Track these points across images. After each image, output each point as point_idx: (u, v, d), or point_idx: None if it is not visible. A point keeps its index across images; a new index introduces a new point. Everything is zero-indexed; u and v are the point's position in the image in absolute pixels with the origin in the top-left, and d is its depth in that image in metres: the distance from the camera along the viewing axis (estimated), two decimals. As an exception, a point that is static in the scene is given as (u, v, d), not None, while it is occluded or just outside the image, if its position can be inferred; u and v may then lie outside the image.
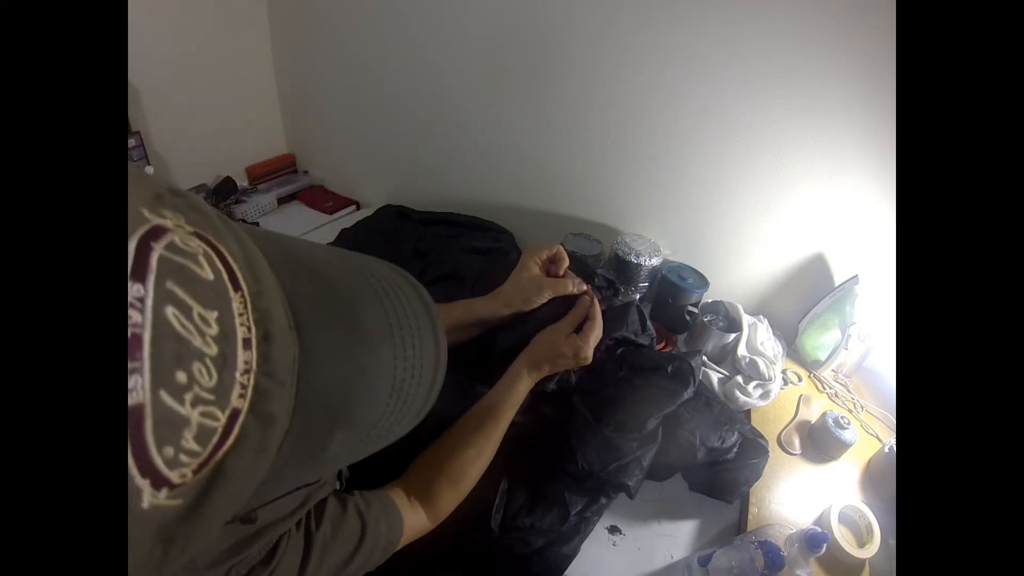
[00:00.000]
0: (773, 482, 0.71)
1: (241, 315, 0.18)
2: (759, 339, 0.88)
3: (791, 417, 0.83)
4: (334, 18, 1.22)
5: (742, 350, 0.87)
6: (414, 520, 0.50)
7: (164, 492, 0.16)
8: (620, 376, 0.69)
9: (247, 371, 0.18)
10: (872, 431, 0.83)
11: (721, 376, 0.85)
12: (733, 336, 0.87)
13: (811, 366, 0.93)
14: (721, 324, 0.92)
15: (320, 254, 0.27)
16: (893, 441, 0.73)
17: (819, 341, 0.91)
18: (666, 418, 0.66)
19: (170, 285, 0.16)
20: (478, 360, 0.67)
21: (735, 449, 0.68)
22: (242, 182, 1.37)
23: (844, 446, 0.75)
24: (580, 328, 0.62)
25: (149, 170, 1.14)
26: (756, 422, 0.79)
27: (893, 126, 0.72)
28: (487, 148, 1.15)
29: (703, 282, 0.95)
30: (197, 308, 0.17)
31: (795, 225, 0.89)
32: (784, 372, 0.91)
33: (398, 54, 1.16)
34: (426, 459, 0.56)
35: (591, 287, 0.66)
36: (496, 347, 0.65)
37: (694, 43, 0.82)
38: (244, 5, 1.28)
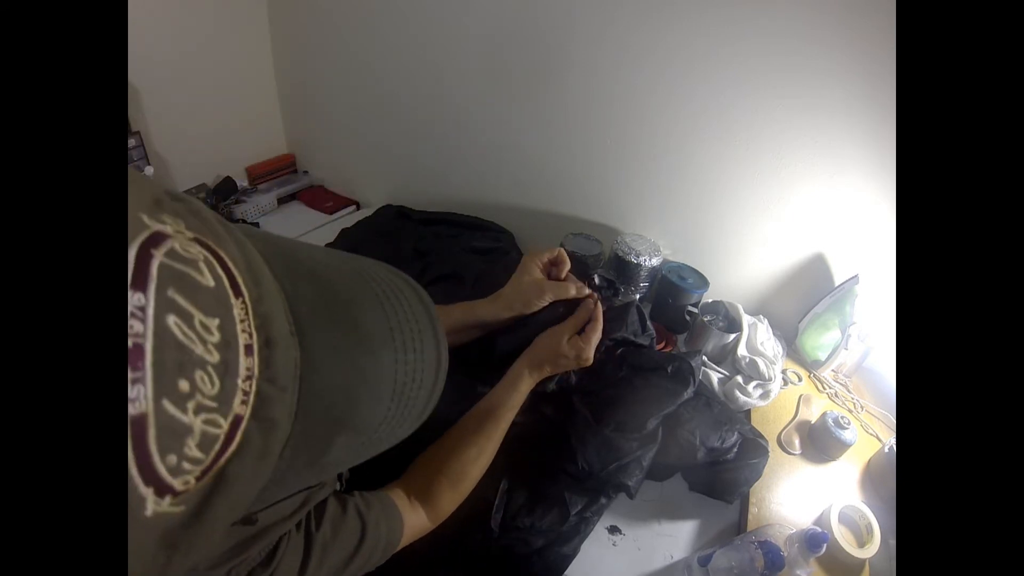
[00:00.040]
0: (773, 482, 0.71)
1: (242, 321, 0.18)
2: (759, 339, 0.88)
3: (791, 417, 0.83)
4: (334, 18, 1.22)
5: (742, 350, 0.87)
6: (414, 520, 0.50)
7: (167, 499, 0.16)
8: (620, 376, 0.69)
9: (249, 377, 0.18)
10: (872, 431, 0.83)
11: (721, 376, 0.85)
12: (733, 336, 0.87)
13: (811, 366, 0.93)
14: (721, 324, 0.92)
15: (320, 257, 0.26)
16: (893, 441, 0.73)
17: (819, 341, 0.91)
18: (666, 418, 0.66)
19: (171, 293, 0.16)
20: (478, 362, 0.67)
21: (735, 449, 0.68)
22: (242, 182, 1.37)
23: (844, 446, 0.75)
24: (582, 330, 0.62)
25: (149, 170, 1.14)
26: (756, 422, 0.79)
27: (893, 126, 0.72)
28: (487, 148, 1.15)
29: (703, 282, 0.95)
30: (198, 316, 0.17)
31: (795, 225, 0.89)
32: (784, 372, 0.91)
33: (398, 54, 1.16)
34: (426, 459, 0.55)
35: (592, 289, 0.66)
36: (496, 350, 0.65)
37: (694, 43, 0.82)
38: (244, 5, 1.28)
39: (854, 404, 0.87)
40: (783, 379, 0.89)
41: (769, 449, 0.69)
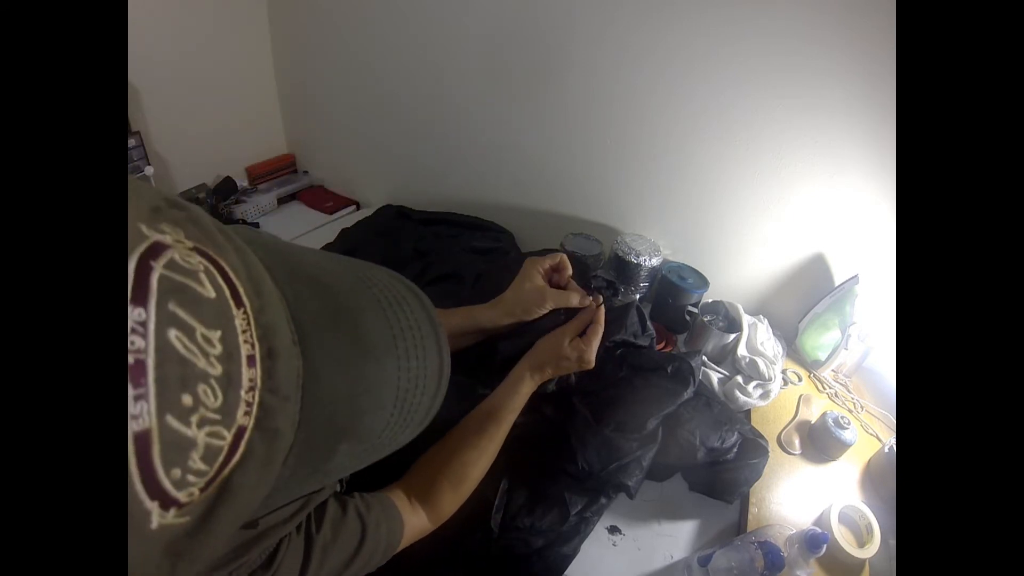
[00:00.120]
0: (773, 482, 0.71)
1: (244, 332, 0.18)
2: (759, 339, 0.88)
3: (791, 417, 0.83)
4: (334, 18, 1.22)
5: (742, 350, 0.87)
6: (415, 522, 0.50)
7: (172, 512, 0.16)
8: (620, 376, 0.69)
9: (252, 388, 0.18)
10: (872, 431, 0.83)
11: (721, 376, 0.85)
12: (733, 336, 0.87)
13: (811, 366, 0.93)
14: (721, 324, 0.92)
15: (321, 262, 0.26)
16: (893, 441, 0.73)
17: (819, 341, 0.91)
18: (666, 418, 0.66)
19: (172, 307, 0.16)
20: (478, 366, 0.67)
21: (735, 449, 0.68)
22: (242, 182, 1.37)
23: (844, 446, 0.75)
24: (584, 332, 0.61)
25: (149, 170, 1.14)
26: (756, 422, 0.79)
27: (893, 126, 0.72)
28: (487, 148, 1.15)
29: (703, 282, 0.95)
30: (200, 329, 0.17)
31: (795, 225, 0.89)
32: (784, 372, 0.91)
33: (398, 54, 1.16)
34: (427, 461, 0.55)
35: (593, 291, 0.66)
36: (497, 356, 0.65)
37: (694, 43, 0.82)
38: (244, 5, 1.28)
39: (854, 404, 0.87)
40: (783, 379, 0.89)
41: (769, 449, 0.69)
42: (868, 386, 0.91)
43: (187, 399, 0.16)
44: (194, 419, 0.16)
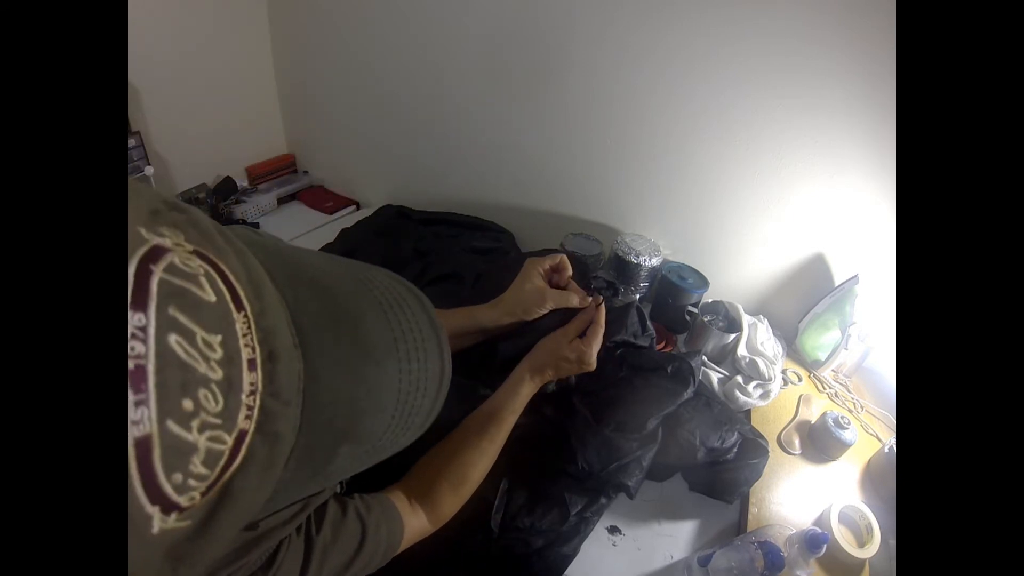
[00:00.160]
0: (773, 482, 0.71)
1: (245, 336, 0.18)
2: (759, 339, 0.88)
3: (791, 417, 0.83)
4: (334, 18, 1.22)
5: (742, 350, 0.87)
6: (415, 523, 0.50)
7: (173, 516, 0.16)
8: (620, 376, 0.69)
9: (253, 392, 0.18)
10: (872, 431, 0.83)
11: (721, 376, 0.85)
12: (733, 336, 0.87)
13: (811, 366, 0.93)
14: (721, 324, 0.92)
15: (321, 264, 0.26)
16: (893, 441, 0.73)
17: (819, 341, 0.91)
18: (666, 418, 0.66)
19: (172, 311, 0.16)
20: (479, 366, 0.67)
21: (735, 449, 0.68)
22: (242, 182, 1.37)
23: (844, 446, 0.75)
24: (584, 334, 0.61)
25: (149, 170, 1.14)
26: (756, 422, 0.79)
27: (893, 126, 0.72)
28: (487, 148, 1.15)
29: (703, 282, 0.95)
30: (200, 333, 0.17)
31: (795, 225, 0.89)
32: (784, 372, 0.91)
33: (398, 54, 1.16)
34: (427, 462, 0.55)
35: (593, 292, 0.66)
36: (497, 356, 0.65)
37: (694, 43, 0.82)
38: (244, 5, 1.28)
39: (854, 404, 0.87)
40: (783, 379, 0.89)
41: (769, 449, 0.69)
42: (868, 386, 0.91)
43: (188, 404, 0.16)
44: (195, 424, 0.16)
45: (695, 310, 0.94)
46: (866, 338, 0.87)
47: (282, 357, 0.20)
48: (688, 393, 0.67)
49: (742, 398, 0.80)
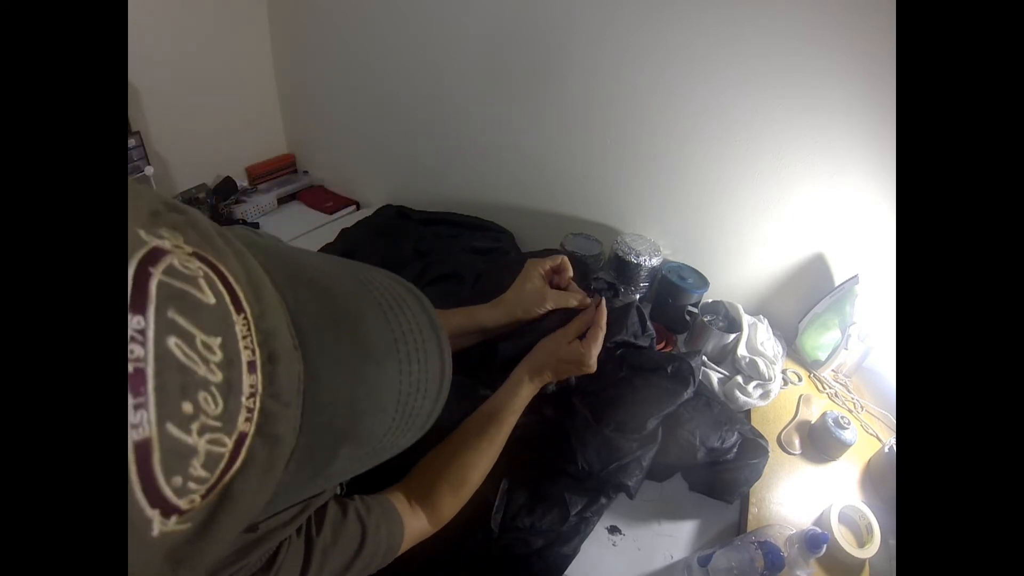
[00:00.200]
0: (773, 482, 0.71)
1: (245, 338, 0.18)
2: (759, 339, 0.88)
3: (791, 417, 0.83)
4: (334, 18, 1.22)
5: (742, 350, 0.87)
6: (415, 524, 0.50)
7: (173, 519, 0.16)
8: (620, 376, 0.69)
9: (253, 395, 0.18)
10: (872, 431, 0.83)
11: (721, 376, 0.85)
12: (733, 336, 0.87)
13: (811, 366, 0.93)
14: (721, 324, 0.92)
15: (321, 265, 0.26)
16: (893, 441, 0.73)
17: (819, 341, 0.91)
18: (666, 418, 0.66)
19: (171, 314, 0.16)
20: (479, 367, 0.67)
21: (735, 449, 0.68)
22: (242, 182, 1.37)
23: (844, 446, 0.75)
24: (584, 335, 0.61)
25: (149, 170, 1.14)
26: (756, 422, 0.79)
27: (893, 126, 0.72)
28: (487, 148, 1.15)
29: (703, 282, 0.95)
30: (200, 336, 0.17)
31: (795, 225, 0.89)
32: (784, 372, 0.91)
33: (398, 54, 1.16)
34: (427, 463, 0.55)
35: (593, 293, 0.66)
36: (497, 357, 0.65)
37: (694, 43, 0.82)
38: (244, 5, 1.28)
39: (854, 404, 0.87)
40: (783, 379, 0.89)
41: (769, 449, 0.69)
42: (868, 386, 0.91)
43: (187, 407, 0.16)
44: (195, 427, 0.16)
45: (695, 310, 0.94)
46: (866, 338, 0.87)
47: (282, 359, 0.20)
48: (688, 393, 0.67)
49: (742, 398, 0.80)
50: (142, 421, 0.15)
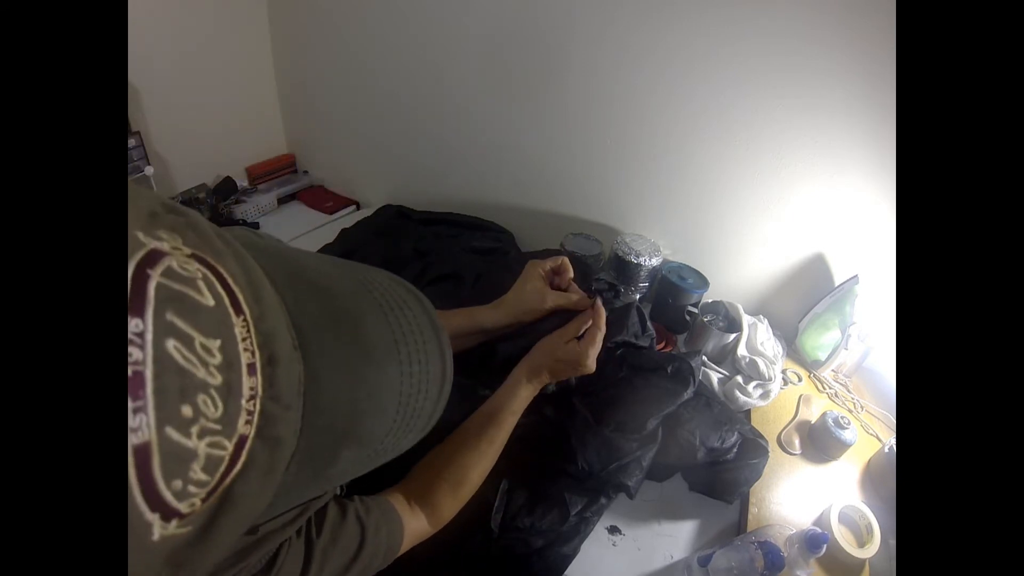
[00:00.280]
0: (773, 482, 0.71)
1: (244, 340, 0.18)
2: (759, 339, 0.88)
3: (791, 417, 0.83)
4: (334, 18, 1.22)
5: (742, 350, 0.87)
6: (415, 525, 0.50)
7: (174, 523, 0.16)
8: (620, 376, 0.69)
9: (253, 397, 0.18)
10: (872, 431, 0.83)
11: (721, 376, 0.85)
12: (733, 336, 0.87)
13: (811, 366, 0.93)
14: (721, 324, 0.92)
15: (321, 266, 0.26)
16: (893, 441, 0.73)
17: (819, 341, 0.91)
18: (666, 418, 0.66)
19: (170, 316, 0.16)
20: (479, 367, 0.67)
21: (735, 449, 0.68)
22: (242, 182, 1.37)
23: (844, 446, 0.75)
24: (582, 336, 0.61)
25: (149, 170, 1.14)
26: (756, 422, 0.79)
27: (893, 126, 0.72)
28: (487, 148, 1.15)
29: (703, 282, 0.95)
30: (199, 338, 0.17)
31: (795, 225, 0.89)
32: (784, 372, 0.91)
33: (398, 54, 1.16)
34: (427, 464, 0.55)
35: (593, 294, 0.66)
36: (497, 357, 0.65)
37: (694, 43, 0.82)
38: (244, 5, 1.27)
39: (854, 404, 0.87)
40: (783, 379, 0.89)
41: (769, 449, 0.69)
42: (868, 386, 0.91)
43: (187, 410, 0.16)
44: (194, 430, 0.16)
45: (695, 310, 0.94)
46: (866, 338, 0.87)
47: (282, 360, 0.20)
48: (688, 393, 0.67)
49: (742, 398, 0.80)
50: (141, 425, 0.15)
